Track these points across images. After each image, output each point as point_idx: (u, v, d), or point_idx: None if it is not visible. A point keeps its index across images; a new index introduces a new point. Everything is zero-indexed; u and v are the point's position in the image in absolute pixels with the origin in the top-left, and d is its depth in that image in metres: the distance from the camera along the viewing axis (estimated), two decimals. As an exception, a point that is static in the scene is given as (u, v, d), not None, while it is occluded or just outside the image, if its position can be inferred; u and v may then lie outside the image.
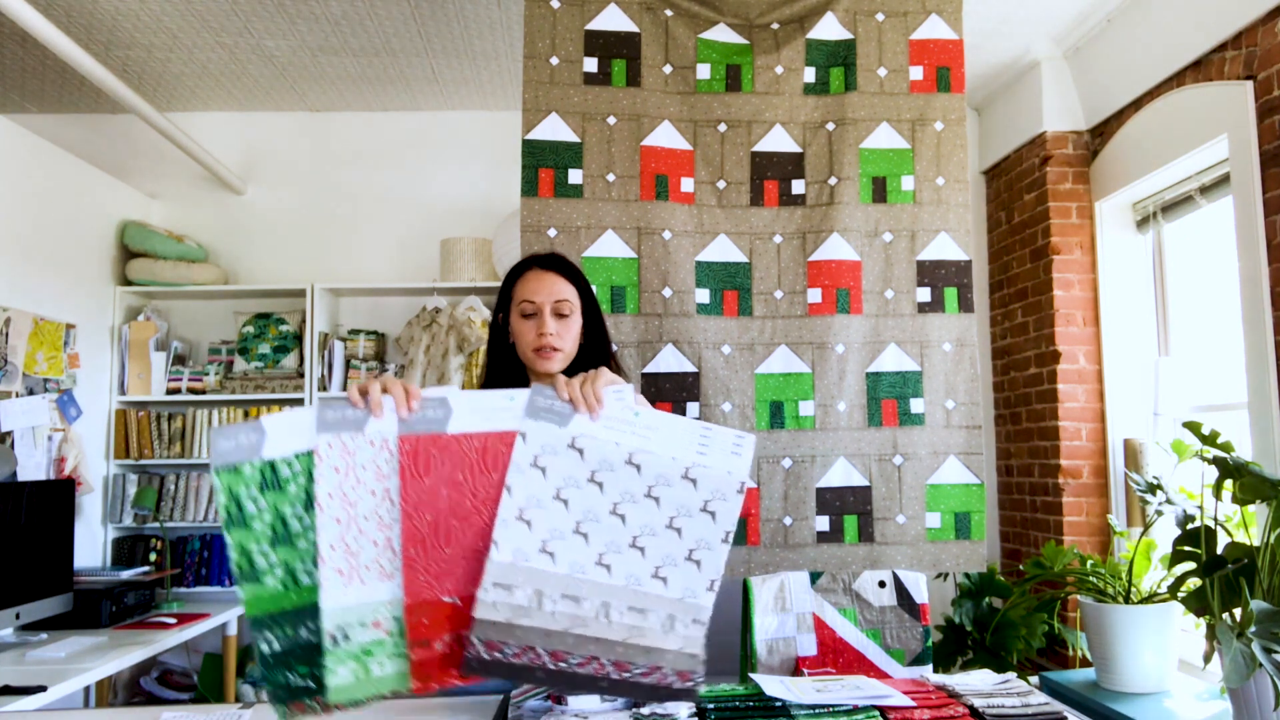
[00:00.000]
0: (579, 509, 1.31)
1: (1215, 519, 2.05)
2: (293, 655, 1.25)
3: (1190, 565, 2.10)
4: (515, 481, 1.31)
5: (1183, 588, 2.18)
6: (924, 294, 2.70)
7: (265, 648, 1.24)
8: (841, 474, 2.63)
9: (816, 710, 1.37)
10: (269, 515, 1.23)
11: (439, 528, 1.28)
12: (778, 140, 2.72)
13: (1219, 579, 1.91)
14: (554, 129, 2.63)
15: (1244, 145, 2.62)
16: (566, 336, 1.74)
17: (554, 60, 2.65)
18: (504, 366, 1.80)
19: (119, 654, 2.72)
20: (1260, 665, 1.66)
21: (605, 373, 1.39)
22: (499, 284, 1.85)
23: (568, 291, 1.76)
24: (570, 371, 1.79)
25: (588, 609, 1.30)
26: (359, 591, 1.25)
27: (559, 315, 1.74)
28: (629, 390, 1.39)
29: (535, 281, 1.76)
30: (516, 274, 1.80)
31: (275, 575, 1.24)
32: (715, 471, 1.33)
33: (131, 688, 3.74)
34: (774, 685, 1.45)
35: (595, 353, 1.81)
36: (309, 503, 1.24)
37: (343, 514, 1.25)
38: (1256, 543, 1.93)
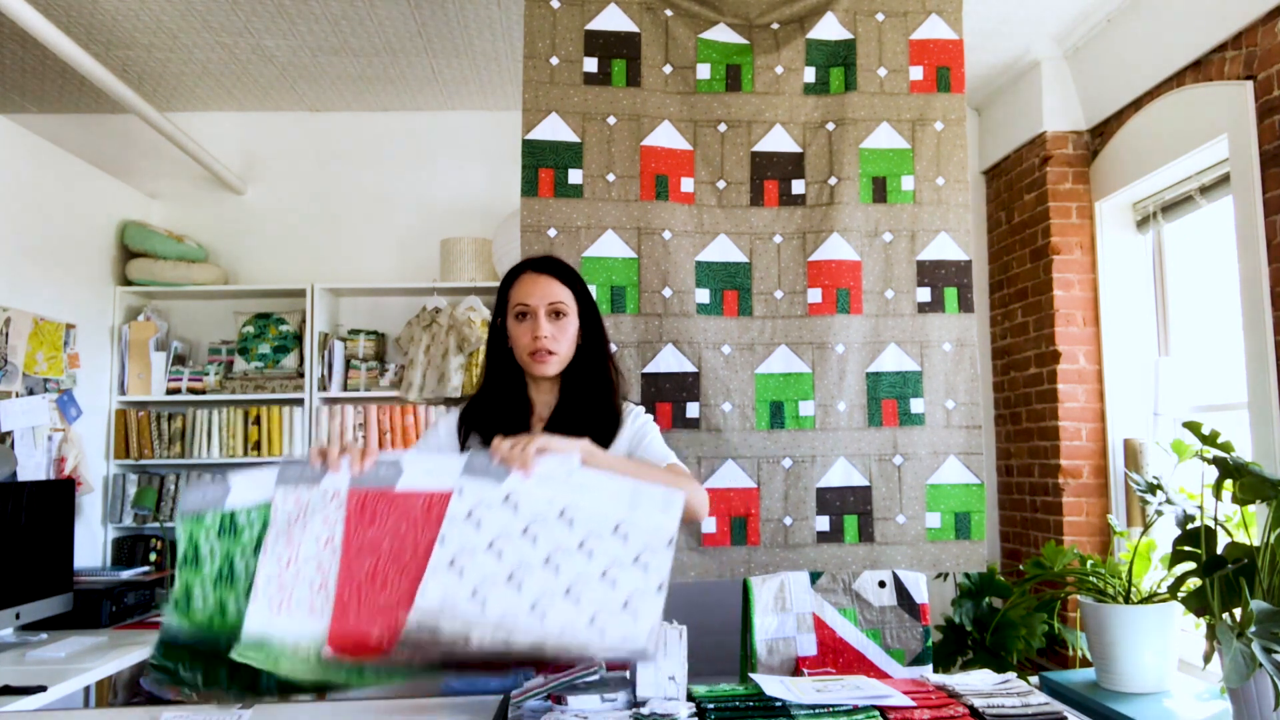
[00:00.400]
0: (512, 560, 1.34)
1: (1215, 519, 2.05)
2: (193, 653, 1.30)
3: (1190, 565, 2.10)
4: (449, 532, 1.34)
5: (1183, 588, 2.18)
6: (924, 294, 2.70)
7: (170, 634, 1.30)
8: (841, 474, 2.63)
9: (816, 710, 1.37)
10: (219, 559, 1.32)
11: (376, 575, 1.32)
12: (778, 140, 2.72)
13: (1219, 579, 1.91)
14: (554, 129, 2.64)
15: (1244, 145, 2.62)
16: (562, 339, 1.73)
17: (554, 60, 2.65)
18: (502, 371, 1.79)
19: (119, 654, 2.72)
20: (1260, 665, 1.66)
21: (542, 438, 1.42)
22: (499, 284, 1.85)
23: (562, 293, 1.75)
24: (570, 373, 1.78)
25: (519, 646, 1.30)
26: (286, 621, 1.30)
27: (554, 317, 1.73)
28: (574, 458, 1.42)
29: (529, 284, 1.75)
30: (511, 278, 1.79)
31: (207, 609, 1.32)
32: (644, 526, 1.36)
33: (131, 688, 3.73)
34: (774, 685, 1.45)
35: (592, 355, 1.80)
36: (258, 547, 1.31)
37: (284, 553, 1.31)
38: (1256, 543, 1.93)
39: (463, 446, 1.75)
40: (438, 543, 1.33)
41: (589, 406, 1.74)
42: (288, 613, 1.29)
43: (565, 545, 1.35)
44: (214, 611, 1.31)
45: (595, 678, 1.43)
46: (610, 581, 1.33)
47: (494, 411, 1.76)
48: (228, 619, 1.30)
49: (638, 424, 1.79)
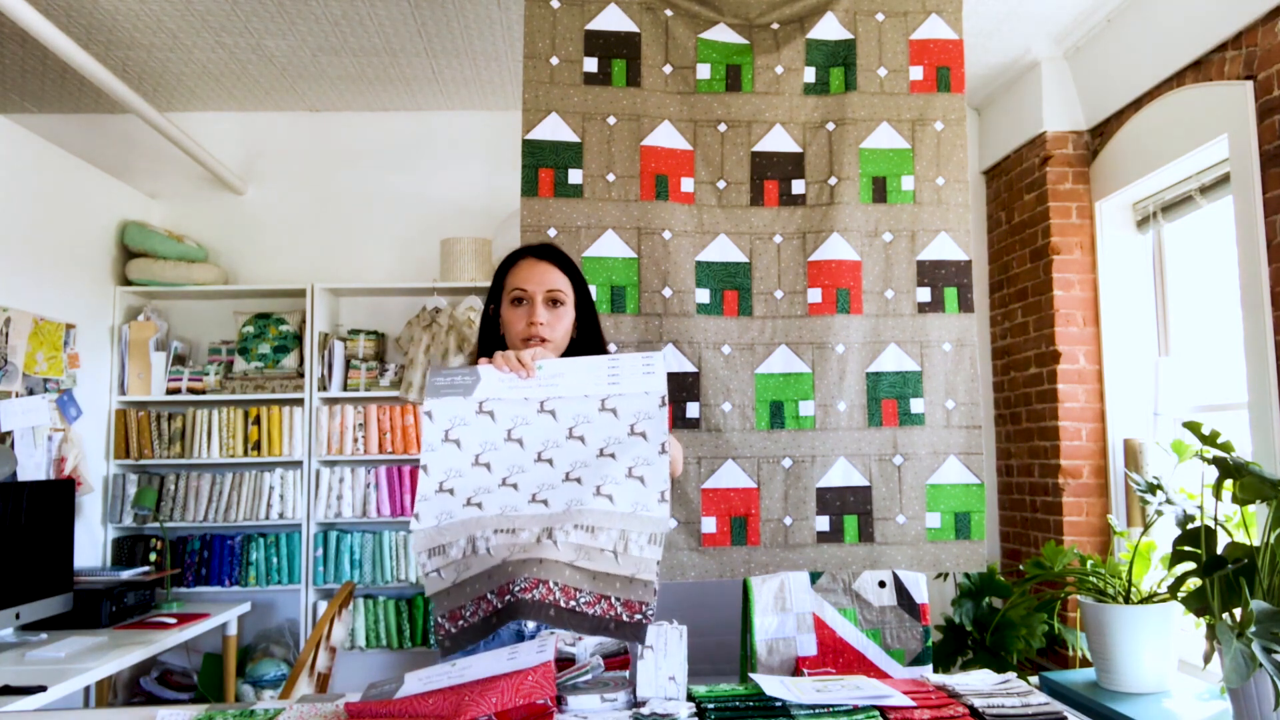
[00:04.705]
0: (502, 467, 1.28)
1: (1215, 519, 2.05)
2: None
3: (1190, 565, 2.10)
4: (430, 460, 1.28)
5: (1183, 588, 2.18)
6: (924, 294, 2.70)
7: None
8: (842, 474, 2.63)
9: (816, 710, 1.36)
10: None
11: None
12: (778, 140, 2.72)
13: (1219, 579, 1.91)
14: (554, 129, 2.63)
15: (1244, 145, 2.62)
16: (557, 327, 1.70)
17: (554, 60, 2.65)
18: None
19: (119, 654, 2.72)
20: (1260, 665, 1.66)
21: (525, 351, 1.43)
22: (495, 270, 1.83)
23: (561, 282, 1.72)
24: None
25: (526, 537, 1.24)
26: None
27: (551, 305, 1.71)
28: (539, 351, 1.43)
29: (528, 270, 1.72)
30: (509, 263, 1.76)
31: None
32: (632, 396, 1.31)
33: (131, 688, 3.74)
34: (774, 685, 1.45)
35: (588, 349, 1.78)
36: None
37: None
38: (1256, 543, 1.93)
39: None
40: (421, 473, 1.28)
41: None
42: None
43: (554, 438, 1.29)
44: None
45: (590, 677, 1.42)
46: (610, 456, 1.28)
47: None
48: None
49: None
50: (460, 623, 1.24)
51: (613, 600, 1.24)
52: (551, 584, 1.23)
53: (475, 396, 1.32)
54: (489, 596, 1.24)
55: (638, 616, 1.25)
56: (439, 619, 1.25)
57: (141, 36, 3.39)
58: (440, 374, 1.34)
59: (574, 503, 1.25)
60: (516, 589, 1.22)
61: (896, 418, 2.66)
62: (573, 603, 1.23)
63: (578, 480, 1.27)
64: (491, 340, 1.77)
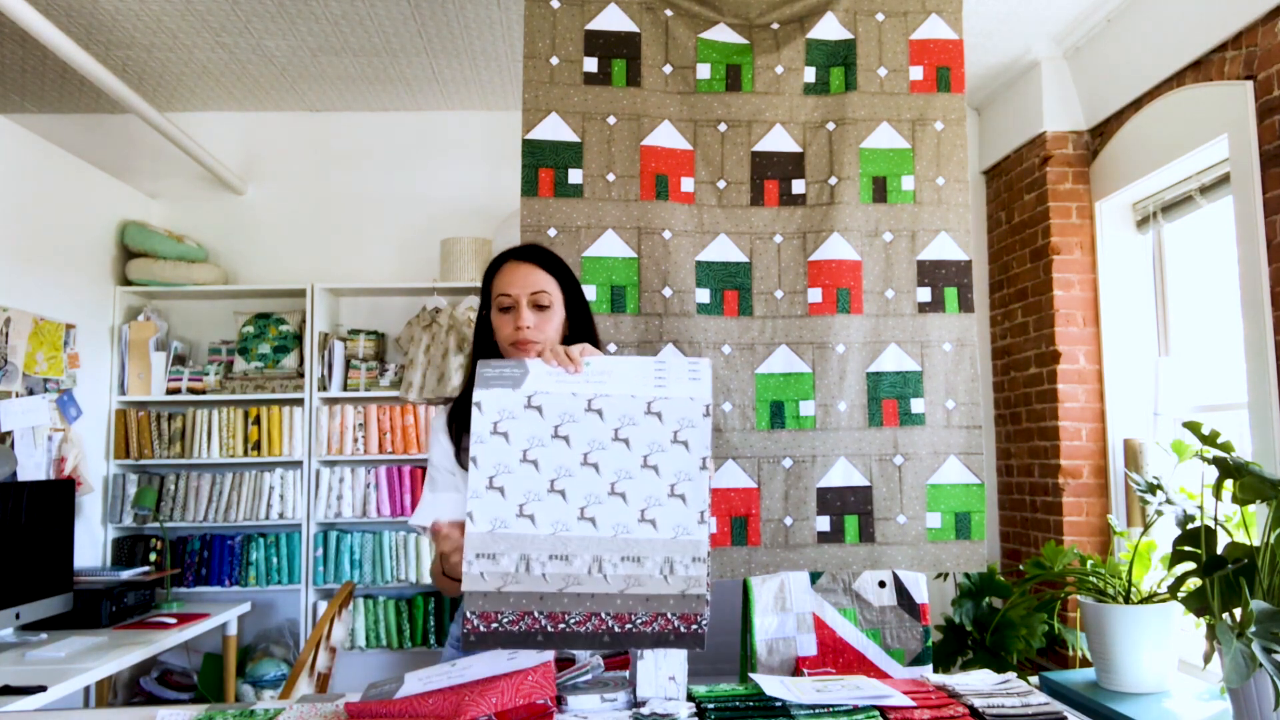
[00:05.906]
0: (550, 467, 1.31)
1: (1215, 519, 2.04)
2: None
3: (1190, 565, 2.10)
4: (479, 452, 1.32)
5: (1183, 588, 2.18)
6: (924, 294, 2.70)
7: None
8: (842, 474, 2.63)
9: (816, 710, 1.36)
10: None
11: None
12: (778, 140, 2.72)
13: (1219, 579, 1.91)
14: (554, 129, 2.63)
15: (1244, 145, 2.62)
16: (545, 329, 1.69)
17: (554, 60, 2.65)
18: None
19: (119, 654, 2.72)
20: (1260, 665, 1.66)
21: (577, 346, 1.45)
22: (483, 276, 1.84)
23: (545, 283, 1.72)
24: None
25: (579, 566, 1.29)
26: None
27: (536, 307, 1.70)
28: (587, 347, 1.46)
29: (511, 274, 1.72)
30: (494, 268, 1.76)
31: None
32: (677, 400, 1.33)
33: (131, 688, 3.74)
34: (774, 685, 1.45)
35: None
36: None
37: None
38: (1256, 543, 1.92)
39: (455, 444, 1.74)
40: (471, 465, 1.32)
41: None
42: None
43: (600, 439, 1.32)
44: None
45: (590, 677, 1.42)
46: (653, 468, 1.31)
47: None
48: None
49: None
50: (494, 625, 1.27)
51: (669, 615, 1.29)
52: (604, 614, 1.29)
53: (524, 390, 1.35)
54: (536, 614, 1.28)
55: (694, 627, 1.30)
56: (469, 614, 1.28)
57: (141, 36, 3.39)
58: (489, 365, 1.38)
59: (620, 529, 1.30)
60: (572, 621, 1.28)
61: (897, 418, 2.66)
62: (628, 625, 1.29)
63: (622, 496, 1.31)
64: (485, 344, 1.77)
